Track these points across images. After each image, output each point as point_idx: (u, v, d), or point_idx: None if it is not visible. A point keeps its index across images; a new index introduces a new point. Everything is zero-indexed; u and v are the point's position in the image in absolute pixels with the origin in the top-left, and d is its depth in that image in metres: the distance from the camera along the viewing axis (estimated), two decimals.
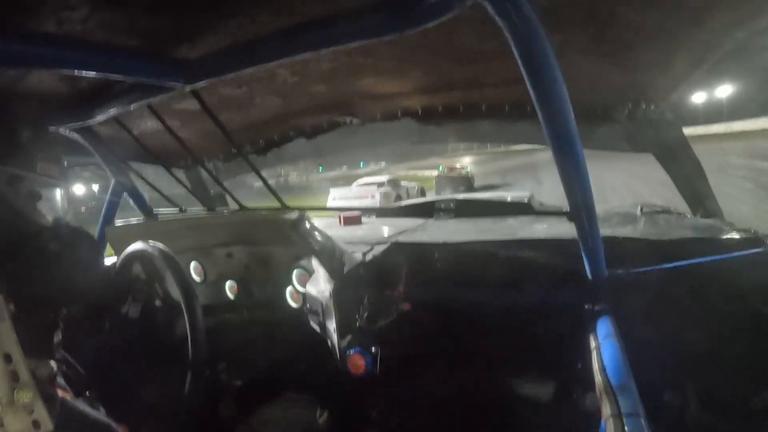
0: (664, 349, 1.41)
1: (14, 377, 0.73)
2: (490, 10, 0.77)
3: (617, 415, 0.91)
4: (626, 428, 0.89)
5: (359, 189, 16.67)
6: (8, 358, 0.73)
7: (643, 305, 1.44)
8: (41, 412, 0.75)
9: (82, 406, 1.04)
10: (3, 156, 1.00)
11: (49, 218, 1.09)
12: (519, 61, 0.86)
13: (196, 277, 1.83)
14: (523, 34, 0.81)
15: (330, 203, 15.15)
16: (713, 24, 1.14)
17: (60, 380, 1.02)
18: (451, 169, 23.57)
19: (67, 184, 1.19)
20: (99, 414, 1.09)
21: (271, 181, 1.92)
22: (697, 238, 1.57)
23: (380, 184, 16.90)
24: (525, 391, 1.58)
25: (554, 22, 0.84)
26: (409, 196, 16.53)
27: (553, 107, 0.94)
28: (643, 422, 0.88)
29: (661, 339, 1.41)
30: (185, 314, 1.32)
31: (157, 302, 1.44)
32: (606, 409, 0.96)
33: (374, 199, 15.41)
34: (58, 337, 1.16)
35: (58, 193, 1.13)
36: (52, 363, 0.99)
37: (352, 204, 14.08)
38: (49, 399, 0.85)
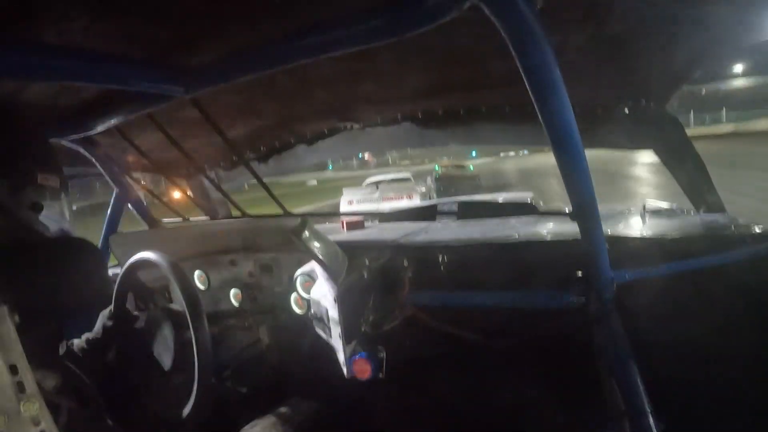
0: (670, 348, 1.41)
1: (20, 388, 0.72)
2: (488, 11, 0.77)
3: (625, 415, 0.91)
4: (634, 428, 0.88)
5: (390, 187, 13.34)
6: (14, 369, 0.72)
7: (649, 304, 1.43)
8: (48, 424, 0.75)
9: (88, 416, 1.03)
10: (4, 167, 1.00)
11: (52, 228, 1.09)
12: (518, 62, 0.86)
13: (200, 285, 1.83)
14: (522, 34, 0.81)
15: (344, 206, 12.50)
16: (712, 21, 1.15)
17: (66, 391, 1.02)
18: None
19: (69, 194, 1.19)
20: (106, 424, 1.09)
21: None
22: (701, 236, 1.56)
23: (407, 180, 14.16)
24: (531, 392, 1.57)
25: (552, 21, 0.84)
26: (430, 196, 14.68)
27: (553, 107, 0.94)
28: (650, 422, 0.88)
29: (667, 338, 1.40)
30: (190, 322, 1.32)
31: (162, 311, 1.44)
32: (613, 409, 0.96)
33: (412, 200, 12.03)
34: (63, 347, 1.16)
35: (61, 204, 1.13)
36: (58, 373, 0.99)
37: (383, 207, 11.29)
38: (55, 410, 0.85)
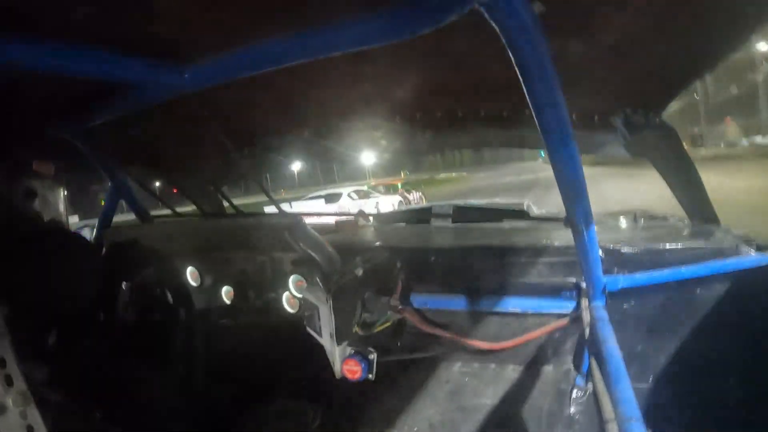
0: (661, 355, 1.41)
1: (8, 381, 0.72)
2: (488, 16, 0.77)
3: (614, 421, 0.91)
4: None
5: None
6: (2, 362, 0.72)
7: (640, 311, 1.44)
8: (35, 417, 0.75)
9: (77, 409, 1.03)
10: (1, 155, 1.00)
11: (46, 219, 1.09)
12: (516, 67, 0.86)
13: (192, 282, 1.82)
14: (521, 40, 0.82)
15: None
16: (711, 32, 1.15)
17: (55, 384, 1.01)
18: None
19: (63, 187, 1.19)
20: (94, 417, 1.08)
21: None
22: (694, 246, 1.57)
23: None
24: (523, 397, 1.58)
25: (552, 28, 0.84)
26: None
27: (551, 113, 0.94)
28: (640, 428, 0.88)
29: (657, 345, 1.41)
30: (181, 318, 1.32)
31: (153, 306, 1.43)
32: (603, 415, 0.96)
33: None
34: (52, 339, 1.16)
35: (55, 195, 1.13)
36: (47, 366, 0.98)
37: None
38: (43, 403, 0.84)
